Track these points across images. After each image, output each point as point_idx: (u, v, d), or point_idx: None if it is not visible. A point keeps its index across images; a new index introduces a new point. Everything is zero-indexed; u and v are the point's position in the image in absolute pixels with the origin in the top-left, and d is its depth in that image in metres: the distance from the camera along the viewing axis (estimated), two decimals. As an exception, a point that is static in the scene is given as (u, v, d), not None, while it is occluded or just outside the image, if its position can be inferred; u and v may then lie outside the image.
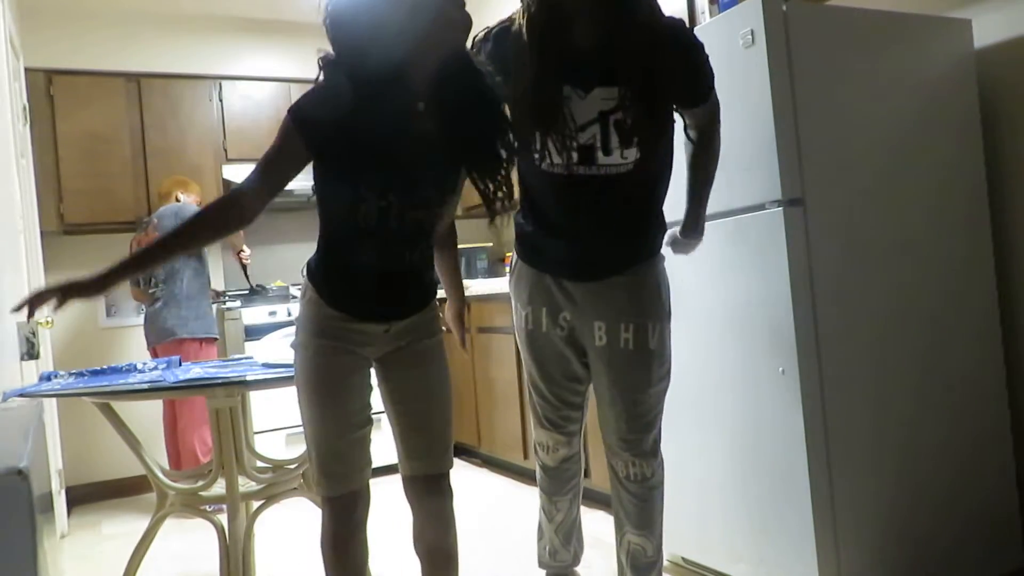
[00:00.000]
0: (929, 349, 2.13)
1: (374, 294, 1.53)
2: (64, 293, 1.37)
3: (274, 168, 1.43)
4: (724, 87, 2.09)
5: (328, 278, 1.52)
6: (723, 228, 2.14)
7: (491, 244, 4.92)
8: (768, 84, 1.95)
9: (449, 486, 1.64)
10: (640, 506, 1.83)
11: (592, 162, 1.69)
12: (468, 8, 1.47)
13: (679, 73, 1.70)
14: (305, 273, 1.56)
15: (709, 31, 2.17)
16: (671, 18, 1.73)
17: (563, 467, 1.95)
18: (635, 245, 1.80)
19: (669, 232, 1.93)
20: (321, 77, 1.46)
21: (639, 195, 1.78)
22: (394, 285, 1.55)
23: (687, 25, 1.75)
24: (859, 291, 2.04)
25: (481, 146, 1.55)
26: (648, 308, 1.78)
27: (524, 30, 1.68)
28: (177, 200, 3.92)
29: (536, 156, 1.72)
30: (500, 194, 1.58)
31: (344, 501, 1.53)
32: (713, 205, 2.16)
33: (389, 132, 1.44)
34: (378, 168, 1.44)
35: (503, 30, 1.75)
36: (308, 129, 1.40)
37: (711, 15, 2.67)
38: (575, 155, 1.69)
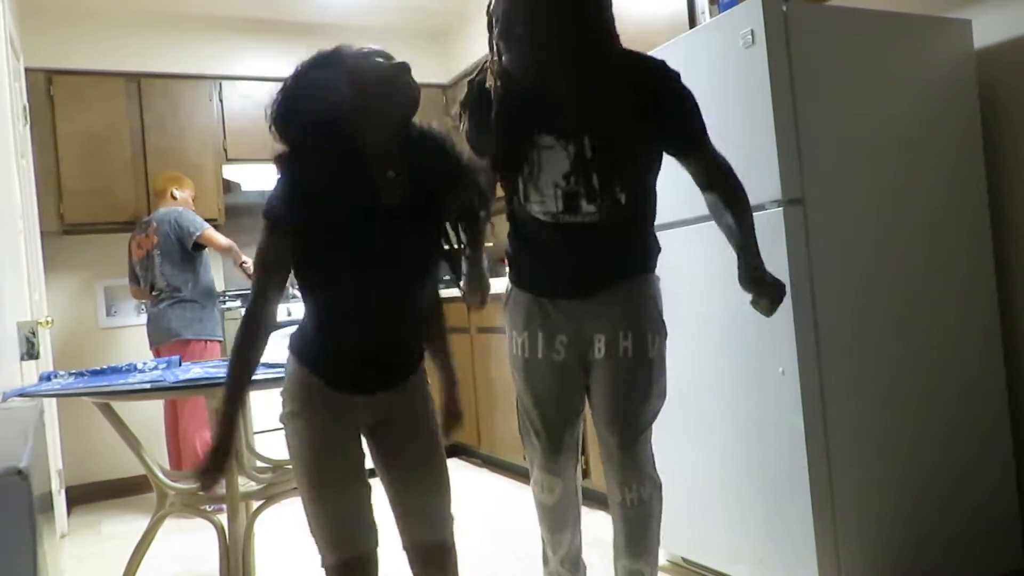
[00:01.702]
0: (929, 349, 2.13)
1: (357, 367, 1.51)
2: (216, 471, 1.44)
3: (271, 265, 1.45)
4: (724, 87, 2.10)
5: (311, 350, 1.51)
6: (723, 228, 2.13)
7: (491, 244, 4.91)
8: (768, 84, 1.95)
9: (452, 558, 1.59)
10: (638, 531, 1.81)
11: (576, 210, 1.69)
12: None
13: (665, 116, 1.69)
14: (288, 346, 1.56)
15: (709, 31, 2.17)
16: (657, 61, 1.73)
17: (562, 503, 1.89)
18: (627, 261, 1.79)
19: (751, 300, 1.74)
20: (278, 176, 1.45)
21: (627, 227, 1.76)
22: (378, 358, 1.53)
23: (672, 71, 1.72)
24: (859, 291, 2.04)
25: (456, 205, 1.55)
26: (645, 318, 1.76)
27: (496, 82, 1.69)
28: (173, 197, 3.93)
29: (521, 201, 1.74)
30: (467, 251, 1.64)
31: (352, 566, 1.48)
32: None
33: (357, 208, 1.43)
34: (351, 246, 1.43)
35: (480, 83, 1.77)
36: (284, 221, 1.42)
37: (711, 15, 2.67)
38: (560, 203, 1.68)
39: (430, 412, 1.62)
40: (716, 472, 2.23)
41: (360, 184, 1.43)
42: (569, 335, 1.79)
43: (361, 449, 1.55)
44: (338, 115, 1.40)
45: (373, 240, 1.43)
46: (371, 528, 1.52)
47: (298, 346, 1.54)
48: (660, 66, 1.72)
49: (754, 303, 1.70)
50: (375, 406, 1.54)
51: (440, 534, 1.58)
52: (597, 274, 1.76)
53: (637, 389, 1.76)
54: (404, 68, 1.46)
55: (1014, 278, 2.28)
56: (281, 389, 1.55)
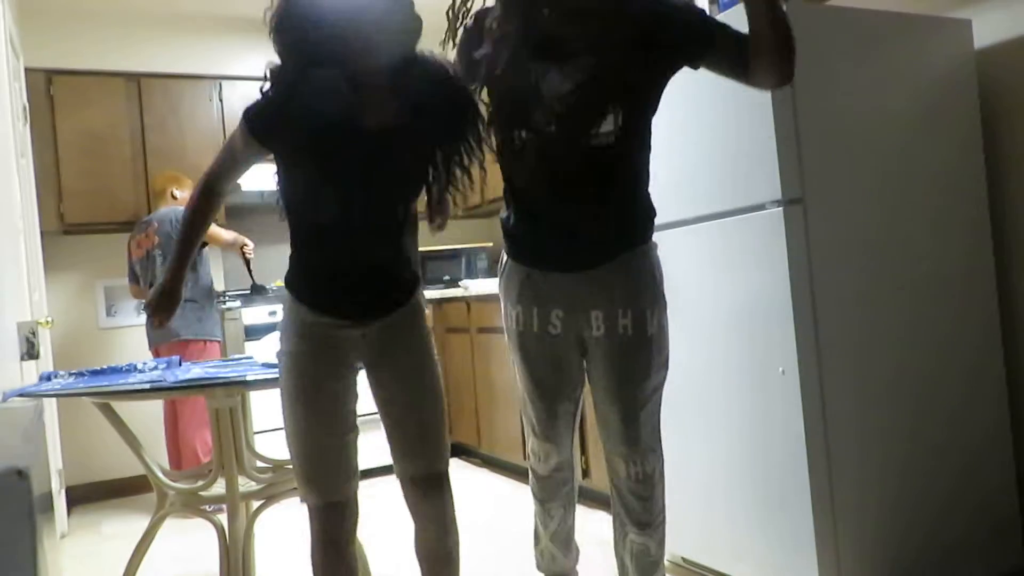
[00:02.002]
0: (929, 349, 2.13)
1: (345, 291, 1.51)
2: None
3: (228, 155, 1.56)
4: (724, 87, 2.10)
5: (300, 279, 1.54)
6: (723, 228, 2.13)
7: (491, 244, 4.92)
8: (768, 84, 1.94)
9: (448, 487, 1.62)
10: (642, 504, 1.80)
11: (574, 135, 1.64)
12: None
13: (671, 33, 1.66)
14: (283, 282, 1.59)
15: (709, 31, 2.17)
16: None
17: (555, 475, 1.89)
18: (625, 232, 1.74)
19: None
20: (268, 85, 1.47)
21: (623, 176, 1.72)
22: (366, 281, 1.53)
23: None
24: (859, 291, 2.04)
25: (448, 132, 1.54)
26: (644, 294, 1.73)
27: (499, 8, 1.67)
28: (173, 197, 3.93)
29: (517, 142, 1.67)
30: (453, 189, 1.61)
31: (329, 511, 1.51)
32: (713, 205, 2.16)
33: (341, 122, 1.43)
34: (328, 165, 1.44)
35: (483, 12, 1.75)
36: (256, 123, 1.46)
37: (711, 15, 2.66)
38: (554, 127, 1.63)
39: (427, 348, 1.62)
40: (716, 472, 2.23)
41: (342, 105, 1.43)
42: (566, 308, 1.75)
43: (352, 391, 1.56)
44: (330, 34, 1.40)
45: (352, 161, 1.44)
46: (353, 474, 1.54)
47: (288, 276, 1.57)
48: None
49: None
50: (367, 341, 1.54)
51: (435, 466, 1.60)
52: (596, 247, 1.72)
53: (638, 368, 1.74)
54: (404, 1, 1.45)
55: (1014, 277, 2.28)
56: (279, 327, 1.58)
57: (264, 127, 1.45)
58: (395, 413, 1.60)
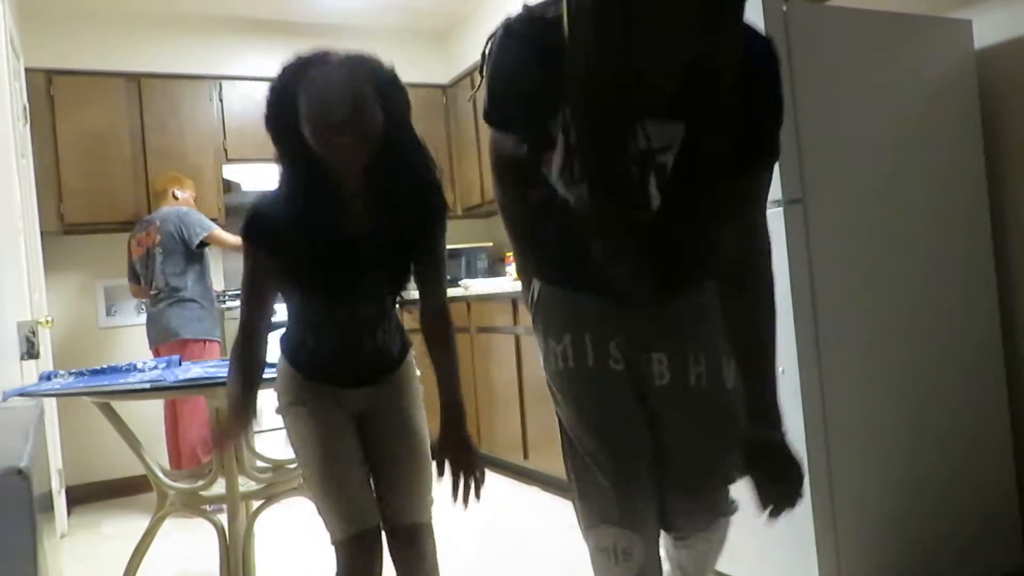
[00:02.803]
0: (929, 349, 2.13)
1: (335, 370, 1.55)
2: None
3: (252, 289, 1.52)
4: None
5: (295, 350, 1.57)
6: (723, 228, 2.14)
7: (491, 244, 4.92)
8: (768, 84, 1.94)
9: (429, 539, 1.59)
10: (699, 560, 1.46)
11: (641, 205, 1.21)
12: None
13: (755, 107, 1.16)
14: (279, 341, 1.61)
15: (709, 31, 2.17)
16: (763, 39, 1.21)
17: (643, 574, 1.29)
18: (696, 258, 1.30)
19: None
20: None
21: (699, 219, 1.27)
22: (353, 363, 1.56)
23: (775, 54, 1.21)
24: (859, 291, 2.04)
25: (421, 233, 1.53)
26: (721, 338, 1.32)
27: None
28: (174, 197, 3.93)
29: (569, 183, 1.20)
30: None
31: (358, 543, 1.49)
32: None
33: (319, 237, 1.44)
34: (314, 271, 1.47)
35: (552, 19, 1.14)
36: (255, 237, 1.47)
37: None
38: (625, 194, 1.21)
39: (415, 405, 1.63)
40: (716, 472, 2.22)
41: (323, 214, 1.44)
42: (622, 345, 1.32)
43: (355, 432, 1.58)
44: (296, 133, 1.38)
45: (336, 267, 1.47)
46: (375, 505, 1.55)
47: (284, 344, 1.60)
48: (767, 45, 1.21)
49: (760, 492, 1.26)
50: (359, 397, 1.58)
51: (414, 516, 1.59)
52: (667, 276, 1.30)
53: (716, 428, 1.35)
54: (347, 63, 1.38)
55: (1014, 277, 2.28)
56: (276, 386, 1.60)
57: (257, 236, 1.47)
58: (375, 457, 1.60)
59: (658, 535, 1.36)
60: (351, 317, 1.52)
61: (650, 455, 1.32)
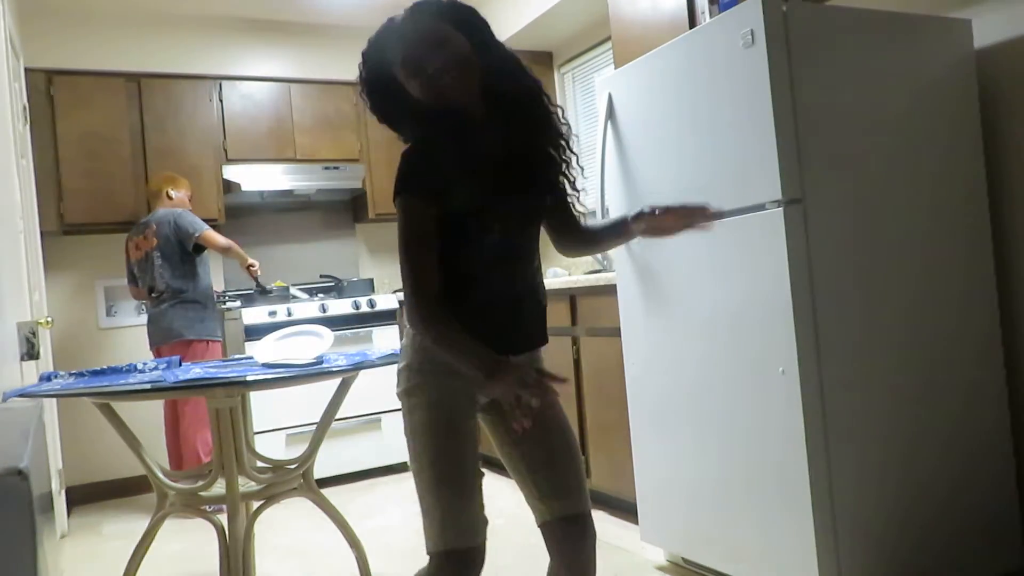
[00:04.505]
0: (929, 349, 2.13)
1: (506, 323, 1.42)
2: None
3: (421, 238, 1.36)
4: (724, 87, 2.10)
5: (452, 307, 1.37)
6: (723, 228, 2.13)
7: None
8: (768, 84, 1.95)
9: (593, 529, 1.50)
10: None
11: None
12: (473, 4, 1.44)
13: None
14: (408, 321, 1.42)
15: (709, 31, 2.17)
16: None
17: None
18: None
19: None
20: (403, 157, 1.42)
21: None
22: (525, 311, 1.46)
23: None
24: (859, 291, 2.04)
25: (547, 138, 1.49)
26: None
27: None
28: (168, 197, 3.93)
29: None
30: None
31: (464, 557, 1.39)
32: (713, 205, 2.16)
33: (468, 171, 1.39)
34: (473, 207, 1.38)
35: None
36: (415, 188, 1.36)
37: (711, 15, 2.66)
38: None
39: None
40: (716, 472, 2.23)
41: (469, 146, 1.39)
42: None
43: (479, 431, 1.47)
44: (406, 97, 1.39)
45: (493, 196, 1.39)
46: (485, 521, 1.44)
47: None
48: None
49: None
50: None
51: (582, 506, 1.49)
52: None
53: None
54: (413, 11, 1.40)
55: (1014, 277, 2.28)
56: (399, 366, 1.45)
57: (417, 185, 1.35)
58: (533, 448, 1.49)
59: None
60: (517, 251, 1.44)
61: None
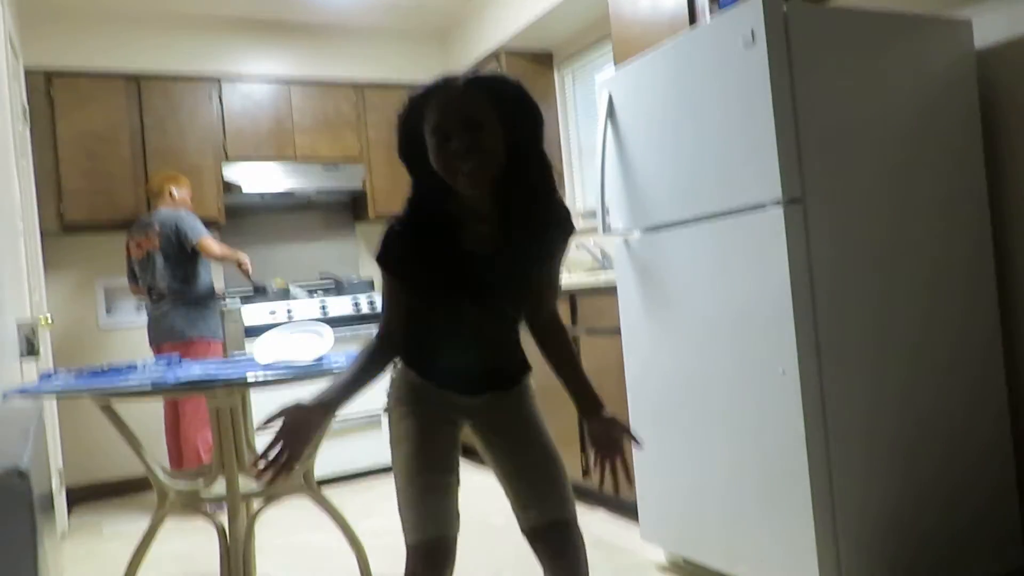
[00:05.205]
0: (929, 348, 2.13)
1: (461, 380, 1.52)
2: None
3: (390, 305, 1.49)
4: (724, 87, 2.10)
5: (417, 359, 1.53)
6: (723, 228, 2.14)
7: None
8: (768, 84, 1.95)
9: (580, 537, 1.55)
10: None
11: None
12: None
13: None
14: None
15: (709, 31, 2.17)
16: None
17: None
18: None
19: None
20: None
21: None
22: (481, 375, 1.54)
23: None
24: (859, 291, 2.04)
25: (545, 249, 1.52)
26: None
27: None
28: (171, 196, 3.93)
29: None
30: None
31: (430, 547, 1.45)
32: (713, 205, 2.16)
33: (444, 256, 1.44)
34: (438, 289, 1.45)
35: None
36: (390, 264, 1.45)
37: (711, 15, 2.66)
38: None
39: (535, 402, 1.60)
40: (717, 472, 2.23)
41: (447, 234, 1.43)
42: None
43: (457, 446, 1.55)
44: (425, 160, 1.40)
45: (461, 285, 1.44)
46: (456, 516, 1.50)
47: (405, 352, 1.55)
48: None
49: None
50: (480, 403, 1.55)
51: (564, 512, 1.53)
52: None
53: None
54: (473, 80, 1.40)
55: (1014, 277, 2.28)
56: (388, 389, 1.57)
57: (391, 262, 1.45)
58: (511, 459, 1.56)
59: None
60: (478, 334, 1.51)
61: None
